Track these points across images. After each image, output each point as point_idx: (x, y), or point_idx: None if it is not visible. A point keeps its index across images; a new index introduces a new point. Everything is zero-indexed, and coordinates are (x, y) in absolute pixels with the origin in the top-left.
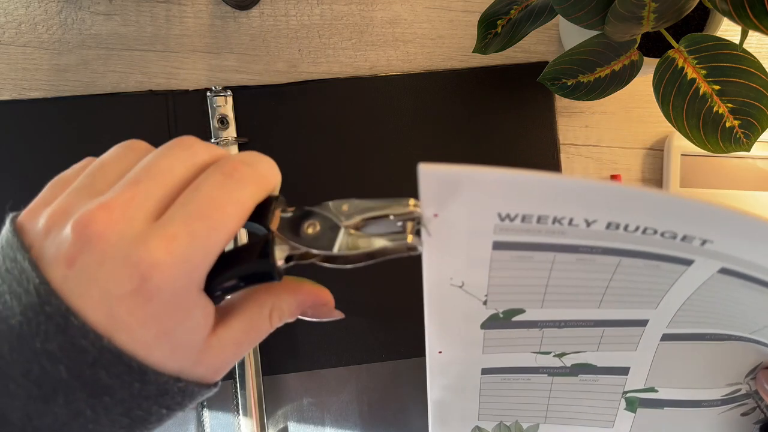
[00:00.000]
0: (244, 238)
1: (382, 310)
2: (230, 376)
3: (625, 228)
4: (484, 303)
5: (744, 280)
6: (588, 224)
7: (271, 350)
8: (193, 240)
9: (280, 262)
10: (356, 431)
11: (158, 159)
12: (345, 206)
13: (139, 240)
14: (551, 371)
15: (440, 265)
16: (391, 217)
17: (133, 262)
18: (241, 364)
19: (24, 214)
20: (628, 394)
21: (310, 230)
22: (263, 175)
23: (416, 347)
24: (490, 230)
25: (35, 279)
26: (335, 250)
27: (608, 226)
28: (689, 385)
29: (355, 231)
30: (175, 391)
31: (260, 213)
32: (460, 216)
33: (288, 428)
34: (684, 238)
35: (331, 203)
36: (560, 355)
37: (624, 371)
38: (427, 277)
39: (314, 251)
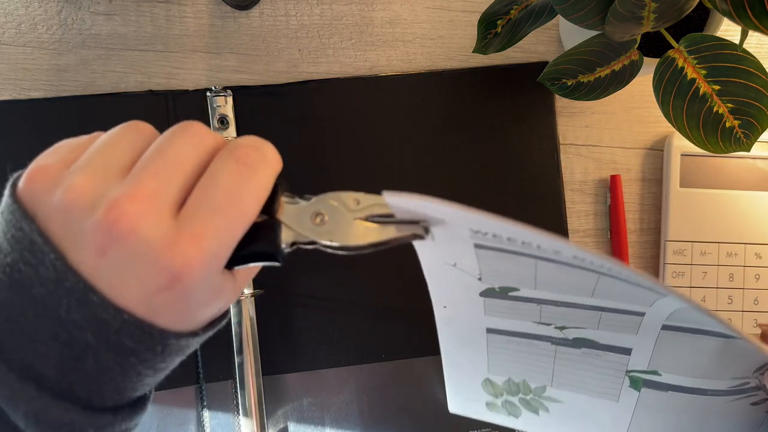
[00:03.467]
0: None
1: (382, 310)
2: (230, 376)
3: (591, 263)
4: (479, 279)
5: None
6: (555, 252)
7: (271, 350)
8: (219, 236)
9: (284, 246)
10: (356, 431)
11: (171, 146)
12: (355, 199)
13: (169, 238)
14: (554, 340)
15: (430, 251)
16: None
17: (166, 262)
18: (241, 364)
19: (30, 175)
20: (632, 373)
21: (318, 220)
22: (271, 158)
23: (416, 347)
24: (467, 237)
25: (50, 254)
26: (342, 242)
27: (574, 257)
28: (693, 374)
29: (362, 221)
30: (193, 344)
31: (267, 200)
32: (436, 225)
33: (288, 428)
34: (645, 286)
35: (342, 194)
36: (561, 328)
37: (626, 351)
38: (421, 256)
39: (321, 241)
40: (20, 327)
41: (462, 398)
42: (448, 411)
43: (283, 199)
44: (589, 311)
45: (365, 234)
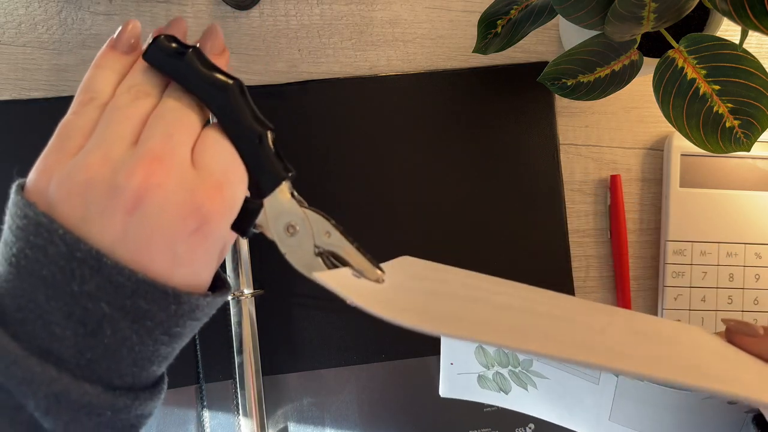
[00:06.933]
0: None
1: None
2: (230, 376)
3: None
4: None
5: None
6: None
7: (271, 350)
8: (234, 187)
9: (254, 229)
10: (356, 431)
11: (173, 110)
12: (328, 233)
13: (194, 186)
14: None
15: None
16: (354, 271)
17: (196, 206)
18: (241, 364)
19: (38, 172)
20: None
21: (289, 231)
22: None
23: (416, 347)
24: None
25: (59, 229)
26: (294, 263)
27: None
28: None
29: (320, 258)
30: (204, 305)
31: (271, 179)
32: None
33: (288, 428)
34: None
35: (321, 221)
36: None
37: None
38: None
39: (281, 249)
40: (33, 313)
41: (454, 372)
42: (448, 411)
43: (282, 187)
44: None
45: (313, 266)
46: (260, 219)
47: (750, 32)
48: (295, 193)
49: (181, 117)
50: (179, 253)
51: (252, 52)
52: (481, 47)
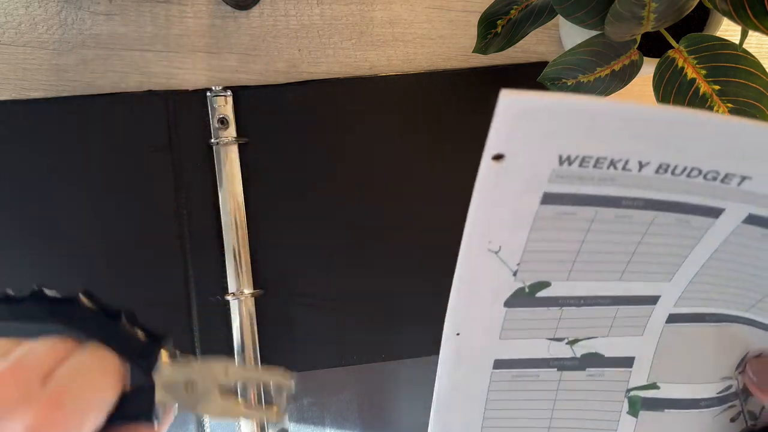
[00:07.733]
0: None
1: (382, 310)
2: None
3: (673, 171)
4: (514, 274)
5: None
6: (640, 167)
7: (271, 350)
8: (82, 398)
9: (158, 408)
10: (356, 431)
11: (45, 342)
12: (225, 371)
13: (34, 402)
14: (561, 364)
15: (485, 221)
16: (269, 385)
17: (30, 423)
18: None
19: None
20: (631, 393)
21: (189, 389)
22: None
23: (416, 347)
24: (545, 177)
25: None
26: (206, 414)
27: (658, 169)
28: (689, 379)
29: (228, 394)
30: None
31: (148, 357)
32: (520, 159)
33: (288, 428)
34: (725, 178)
35: (213, 364)
36: (572, 342)
37: (629, 362)
38: (467, 240)
39: (194, 411)
40: None
41: None
42: None
43: (164, 356)
44: (607, 308)
45: (228, 408)
46: (159, 395)
47: (750, 32)
48: (178, 353)
49: (47, 342)
50: None
51: (252, 52)
52: (481, 47)
